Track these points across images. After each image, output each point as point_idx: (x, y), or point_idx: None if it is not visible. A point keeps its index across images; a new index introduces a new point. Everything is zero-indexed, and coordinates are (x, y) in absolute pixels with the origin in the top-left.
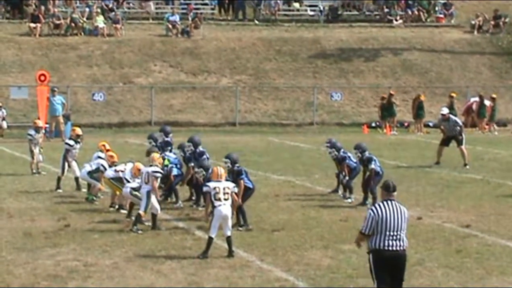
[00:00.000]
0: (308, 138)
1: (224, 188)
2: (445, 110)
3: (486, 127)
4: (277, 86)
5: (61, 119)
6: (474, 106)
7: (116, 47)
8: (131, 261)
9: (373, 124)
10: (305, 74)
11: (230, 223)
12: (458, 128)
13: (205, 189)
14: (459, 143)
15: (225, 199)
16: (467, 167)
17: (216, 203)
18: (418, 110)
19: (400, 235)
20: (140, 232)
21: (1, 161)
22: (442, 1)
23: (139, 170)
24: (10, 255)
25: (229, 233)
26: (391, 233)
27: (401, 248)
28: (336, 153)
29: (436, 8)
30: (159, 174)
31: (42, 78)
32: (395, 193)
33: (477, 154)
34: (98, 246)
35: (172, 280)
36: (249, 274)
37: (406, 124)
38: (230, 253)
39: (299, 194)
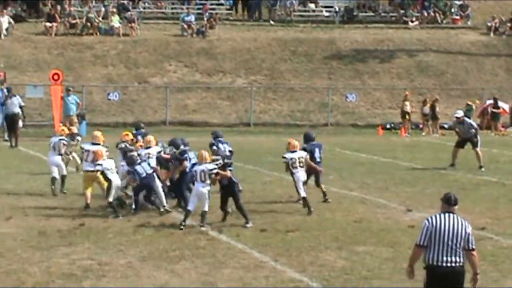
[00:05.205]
0: (322, 139)
1: (299, 157)
2: (460, 113)
3: (502, 129)
4: (292, 87)
5: (75, 119)
6: (489, 109)
7: (131, 47)
8: (145, 261)
9: (388, 126)
10: (320, 75)
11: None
12: (473, 130)
13: (283, 160)
14: (474, 145)
15: (301, 167)
16: (482, 169)
17: (294, 170)
18: (433, 112)
19: (457, 250)
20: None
21: (17, 160)
22: (458, 3)
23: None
24: (25, 254)
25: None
26: (447, 247)
27: (458, 264)
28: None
29: (452, 10)
30: (216, 171)
31: (56, 77)
32: (456, 207)
33: (492, 156)
34: (112, 245)
35: (186, 280)
36: (263, 274)
37: (421, 126)
38: (303, 204)
39: (313, 195)
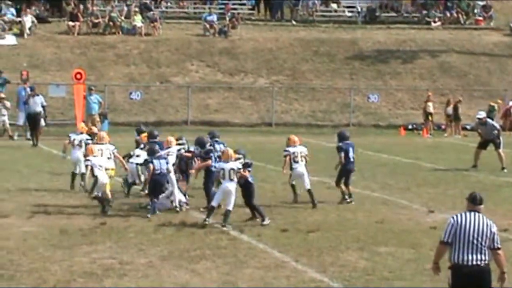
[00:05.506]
0: None
1: (300, 152)
2: (482, 114)
3: None
4: (314, 87)
5: (97, 118)
6: None
7: (153, 46)
8: (166, 260)
9: (410, 126)
10: (342, 75)
11: (306, 179)
12: (496, 131)
13: (285, 153)
14: (497, 146)
15: (301, 161)
16: (505, 170)
17: (294, 165)
18: (456, 113)
19: (482, 248)
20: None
21: (39, 159)
22: (481, 3)
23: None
24: (46, 252)
25: (308, 187)
26: (472, 246)
27: (483, 262)
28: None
29: (475, 10)
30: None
31: (78, 76)
32: (481, 206)
33: None
34: (133, 244)
35: (207, 280)
36: (284, 274)
37: (443, 126)
38: (314, 204)
39: (334, 195)
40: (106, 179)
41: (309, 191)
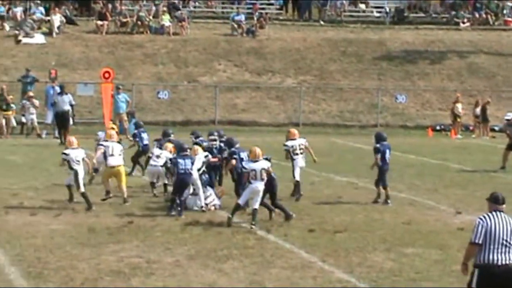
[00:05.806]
0: (371, 140)
1: (299, 145)
2: (510, 115)
3: None
4: (341, 87)
5: (125, 117)
6: None
7: (181, 46)
8: (193, 259)
9: (438, 127)
10: (370, 76)
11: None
12: None
13: (285, 148)
14: None
15: (301, 154)
16: None
17: (294, 157)
18: (484, 114)
19: (510, 248)
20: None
21: None
22: (511, 4)
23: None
24: (74, 250)
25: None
26: (501, 246)
27: (511, 262)
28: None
29: (504, 11)
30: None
31: (107, 75)
32: (504, 206)
33: None
34: (160, 243)
35: (234, 279)
36: (310, 274)
37: (471, 128)
38: (297, 195)
39: (362, 195)
40: (83, 173)
41: (297, 182)
